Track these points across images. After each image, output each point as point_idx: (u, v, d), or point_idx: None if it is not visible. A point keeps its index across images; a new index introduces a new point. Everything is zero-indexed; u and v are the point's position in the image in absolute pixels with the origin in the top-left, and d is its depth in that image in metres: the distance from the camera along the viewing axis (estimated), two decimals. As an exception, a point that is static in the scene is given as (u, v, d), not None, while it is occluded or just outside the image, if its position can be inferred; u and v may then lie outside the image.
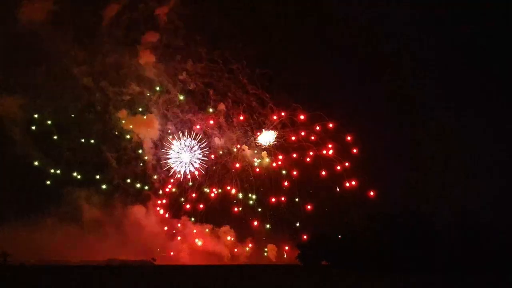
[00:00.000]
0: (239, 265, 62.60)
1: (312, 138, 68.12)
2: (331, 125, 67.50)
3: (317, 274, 47.82)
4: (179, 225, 67.95)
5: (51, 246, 59.44)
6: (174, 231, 67.82)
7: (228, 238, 67.23)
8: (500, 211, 50.83)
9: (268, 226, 67.03)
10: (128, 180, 68.95)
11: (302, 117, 68.16)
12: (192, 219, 68.04)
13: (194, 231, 67.75)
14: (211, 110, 69.88)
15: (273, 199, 67.16)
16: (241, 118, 69.32)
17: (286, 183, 67.58)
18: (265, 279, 42.94)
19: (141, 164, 69.56)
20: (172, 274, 48.49)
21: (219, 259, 65.70)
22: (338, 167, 66.58)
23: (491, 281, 31.51)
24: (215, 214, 68.19)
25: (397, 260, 47.06)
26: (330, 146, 67.45)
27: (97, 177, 68.14)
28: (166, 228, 67.87)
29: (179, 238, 67.36)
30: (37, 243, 58.59)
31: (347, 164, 66.26)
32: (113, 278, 42.35)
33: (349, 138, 66.61)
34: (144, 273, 48.17)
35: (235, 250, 66.71)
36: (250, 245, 67.31)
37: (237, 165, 68.83)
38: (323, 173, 66.63)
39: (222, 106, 69.35)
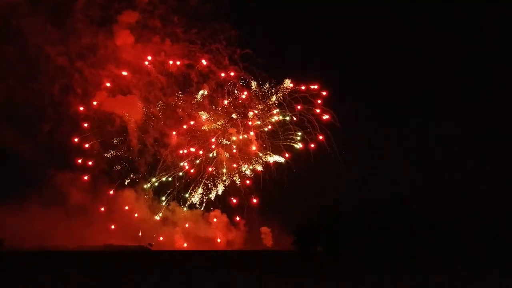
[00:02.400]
0: (234, 250, 62.93)
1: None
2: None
3: (312, 260, 48.30)
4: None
5: (35, 231, 57.87)
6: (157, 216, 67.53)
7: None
8: (494, 205, 51.83)
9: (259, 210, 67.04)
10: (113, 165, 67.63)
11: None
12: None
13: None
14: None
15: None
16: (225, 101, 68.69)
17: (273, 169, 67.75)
18: (261, 265, 43.29)
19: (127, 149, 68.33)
20: (170, 259, 48.61)
21: (214, 244, 65.85)
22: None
23: (481, 274, 32.89)
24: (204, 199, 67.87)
25: (388, 250, 48.26)
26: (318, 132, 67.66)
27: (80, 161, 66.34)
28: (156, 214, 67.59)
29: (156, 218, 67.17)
30: (20, 228, 57.02)
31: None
32: (111, 264, 42.24)
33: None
34: (142, 259, 48.09)
35: (229, 234, 66.92)
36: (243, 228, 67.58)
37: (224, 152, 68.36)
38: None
39: (205, 88, 68.02)
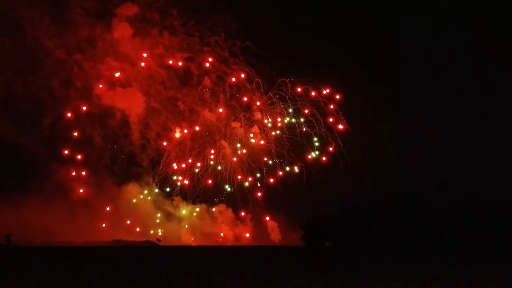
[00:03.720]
0: (242, 246, 62.52)
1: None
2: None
3: (320, 256, 47.91)
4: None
5: (42, 227, 57.89)
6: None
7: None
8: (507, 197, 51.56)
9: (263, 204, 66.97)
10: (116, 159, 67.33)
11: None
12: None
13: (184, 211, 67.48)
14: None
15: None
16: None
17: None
18: (268, 261, 42.80)
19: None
20: (178, 255, 48.25)
21: (220, 240, 65.69)
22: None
23: (494, 266, 32.69)
24: (208, 193, 67.85)
25: (401, 243, 48.05)
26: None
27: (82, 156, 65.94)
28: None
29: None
30: (27, 223, 56.67)
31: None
32: (120, 259, 41.95)
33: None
34: (151, 254, 47.82)
35: (235, 229, 66.54)
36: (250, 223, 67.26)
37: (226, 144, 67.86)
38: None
39: (207, 82, 67.31)
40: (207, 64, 67.55)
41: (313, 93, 67.78)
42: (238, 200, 67.70)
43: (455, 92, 63.27)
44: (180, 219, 67.01)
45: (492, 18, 61.68)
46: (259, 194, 67.59)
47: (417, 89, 64.13)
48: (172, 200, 67.47)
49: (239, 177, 67.79)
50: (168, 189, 67.80)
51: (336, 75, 65.38)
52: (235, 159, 68.18)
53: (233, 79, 67.83)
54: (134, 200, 66.30)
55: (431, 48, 65.14)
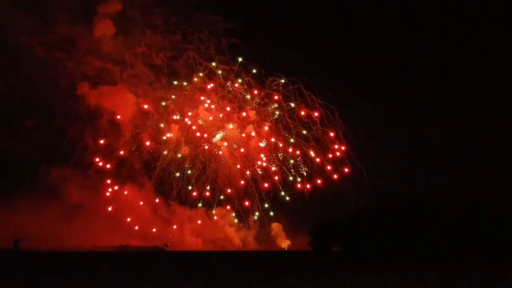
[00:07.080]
0: (249, 251, 61.48)
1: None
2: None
3: (328, 260, 47.29)
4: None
5: (50, 232, 56.05)
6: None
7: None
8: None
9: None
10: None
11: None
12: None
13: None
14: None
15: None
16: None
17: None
18: (276, 265, 42.65)
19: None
20: (186, 260, 47.90)
21: (227, 244, 64.45)
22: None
23: (497, 267, 32.97)
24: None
25: (406, 246, 48.03)
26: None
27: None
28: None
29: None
30: (35, 228, 55.01)
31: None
32: (127, 264, 41.56)
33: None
34: (159, 260, 47.37)
35: (239, 233, 65.26)
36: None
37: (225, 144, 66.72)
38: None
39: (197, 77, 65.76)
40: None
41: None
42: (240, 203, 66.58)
43: (461, 95, 63.31)
44: (181, 223, 65.43)
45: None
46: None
47: (422, 92, 63.73)
48: (169, 205, 65.35)
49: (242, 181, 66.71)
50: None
51: (335, 77, 64.69)
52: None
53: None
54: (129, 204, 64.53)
55: (433, 53, 65.39)
